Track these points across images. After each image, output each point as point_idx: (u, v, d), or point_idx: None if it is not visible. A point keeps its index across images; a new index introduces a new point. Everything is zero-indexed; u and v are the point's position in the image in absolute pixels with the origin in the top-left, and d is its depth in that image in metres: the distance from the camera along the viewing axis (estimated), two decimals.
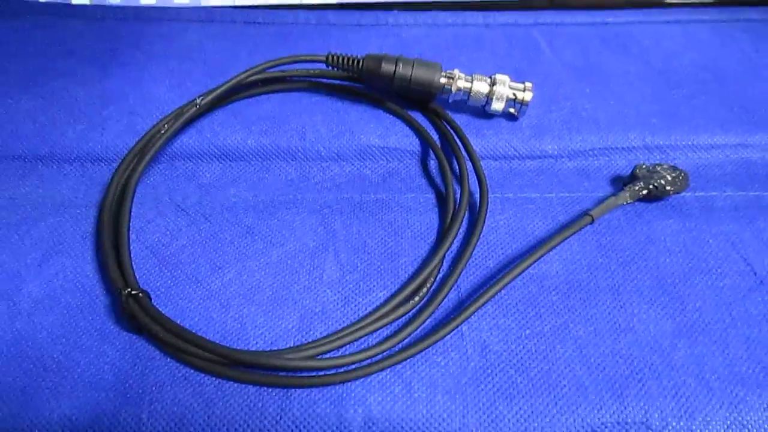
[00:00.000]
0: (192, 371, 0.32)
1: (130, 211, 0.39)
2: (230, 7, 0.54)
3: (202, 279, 0.36)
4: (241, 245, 0.38)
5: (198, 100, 0.42)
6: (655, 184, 0.39)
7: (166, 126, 0.42)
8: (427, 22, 0.53)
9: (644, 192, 0.39)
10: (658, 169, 0.40)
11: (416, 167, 0.43)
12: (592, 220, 0.37)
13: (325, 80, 0.47)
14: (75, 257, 0.37)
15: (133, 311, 0.33)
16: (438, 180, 0.42)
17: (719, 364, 0.33)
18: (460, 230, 0.39)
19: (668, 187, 0.40)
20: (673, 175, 0.40)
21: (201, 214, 0.40)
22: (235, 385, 0.32)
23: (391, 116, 0.45)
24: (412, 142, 0.44)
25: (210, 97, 0.42)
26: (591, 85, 0.47)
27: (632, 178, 0.41)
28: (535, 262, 0.35)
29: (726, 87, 0.47)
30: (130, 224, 0.38)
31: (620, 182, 0.42)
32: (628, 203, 0.39)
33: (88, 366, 0.33)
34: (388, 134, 0.44)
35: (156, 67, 0.48)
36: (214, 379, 0.32)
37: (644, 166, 0.41)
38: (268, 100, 0.46)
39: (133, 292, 0.33)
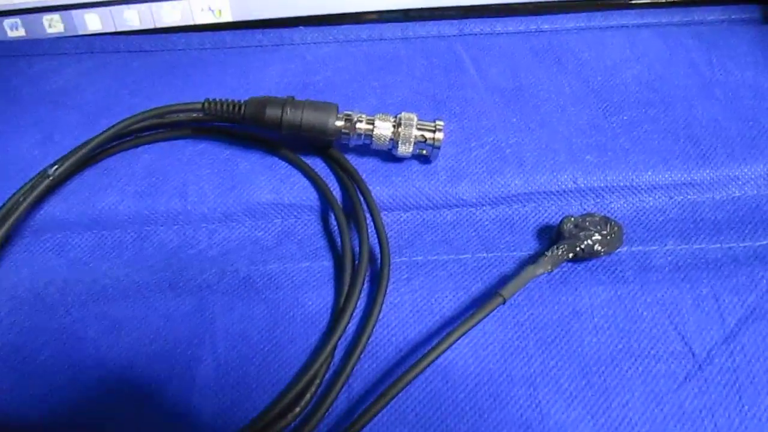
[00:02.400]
0: None
1: None
2: (112, 34, 0.47)
3: (61, 385, 0.31)
4: (105, 345, 0.33)
5: (51, 170, 0.36)
6: (582, 246, 0.34)
7: (22, 198, 0.36)
8: (338, 39, 0.47)
9: (570, 256, 0.34)
10: (588, 223, 0.35)
11: (315, 225, 0.38)
12: (504, 301, 0.31)
13: (211, 124, 0.41)
14: None
15: None
16: (338, 242, 0.37)
17: None
18: (360, 306, 0.33)
19: (597, 247, 0.34)
20: (604, 232, 0.34)
21: (62, 306, 0.34)
22: None
23: (286, 165, 0.39)
24: (310, 196, 0.38)
25: (66, 164, 0.36)
26: (518, 113, 0.41)
27: (558, 236, 0.35)
28: (437, 357, 0.30)
29: (672, 111, 0.41)
30: None
31: (548, 234, 0.37)
32: (548, 272, 0.33)
33: None
34: (281, 188, 0.38)
35: (21, 117, 0.42)
36: None
37: (572, 220, 0.35)
38: (145, 153, 0.40)
39: None
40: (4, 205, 0.36)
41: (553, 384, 0.31)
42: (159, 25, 0.48)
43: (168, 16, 0.48)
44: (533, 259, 0.35)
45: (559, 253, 0.34)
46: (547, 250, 0.34)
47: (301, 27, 0.47)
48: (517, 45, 0.46)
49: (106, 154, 0.40)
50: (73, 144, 0.39)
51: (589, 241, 0.34)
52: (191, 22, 0.48)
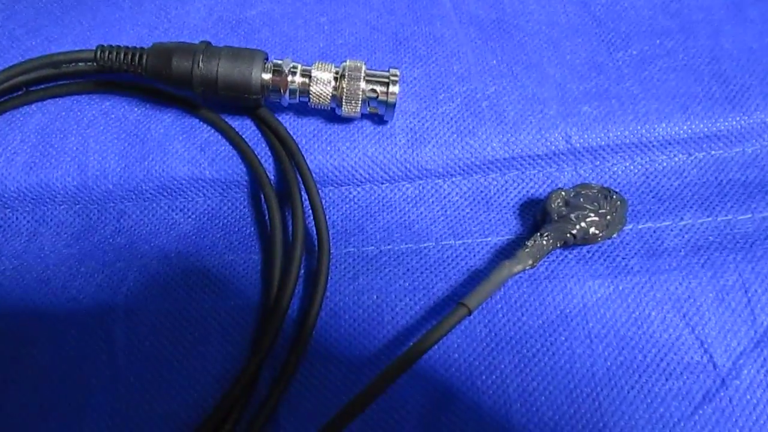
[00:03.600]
0: None
1: None
2: None
3: None
4: None
5: None
6: (573, 231, 0.27)
7: None
8: None
9: (558, 245, 0.27)
10: (582, 199, 0.28)
11: (244, 206, 0.30)
12: (469, 313, 0.24)
13: (118, 76, 0.33)
14: None
15: None
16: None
17: None
18: (291, 314, 0.27)
19: (594, 231, 0.27)
20: (603, 210, 0.27)
21: None
22: None
23: (208, 129, 0.32)
24: (236, 170, 0.31)
25: None
26: (500, 53, 0.33)
27: (543, 216, 0.28)
28: (387, 386, 0.23)
29: (694, 41, 0.33)
30: None
31: (533, 210, 0.29)
32: (529, 269, 0.26)
33: None
34: (202, 159, 0.31)
35: None
36: None
37: (562, 195, 0.28)
38: (36, 114, 0.33)
39: None
40: None
41: (534, 412, 0.24)
42: None
43: None
44: (512, 248, 0.28)
45: (544, 242, 0.26)
46: (529, 238, 0.27)
47: None
48: None
49: None
50: None
51: (583, 224, 0.27)
52: None
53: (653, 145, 0.30)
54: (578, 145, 0.30)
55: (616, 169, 0.30)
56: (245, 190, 0.30)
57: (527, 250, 0.26)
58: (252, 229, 0.30)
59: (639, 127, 0.30)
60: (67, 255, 0.30)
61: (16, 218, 0.31)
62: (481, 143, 0.30)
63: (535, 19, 0.34)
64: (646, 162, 0.30)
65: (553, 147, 0.30)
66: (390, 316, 0.27)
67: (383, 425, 0.24)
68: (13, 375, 0.26)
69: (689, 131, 0.30)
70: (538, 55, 0.33)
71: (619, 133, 0.30)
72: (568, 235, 0.26)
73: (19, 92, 0.33)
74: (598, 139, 0.30)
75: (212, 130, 0.31)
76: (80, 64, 0.32)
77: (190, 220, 0.30)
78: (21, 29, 0.36)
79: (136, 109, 0.32)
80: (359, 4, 0.35)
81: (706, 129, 0.30)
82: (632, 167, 0.30)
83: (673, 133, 0.30)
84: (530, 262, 0.26)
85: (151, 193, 0.31)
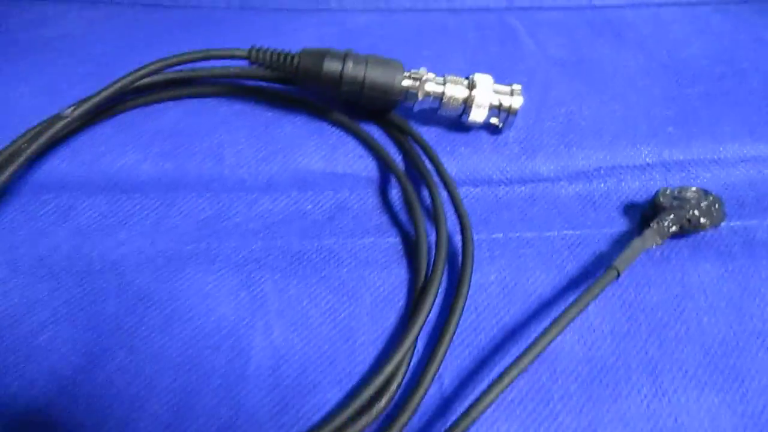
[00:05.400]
0: None
1: None
2: None
3: (71, 375, 0.25)
4: (130, 322, 0.27)
5: (68, 111, 0.30)
6: (688, 216, 0.30)
7: (25, 145, 0.30)
8: (380, 7, 0.43)
9: (674, 228, 0.30)
10: (686, 194, 0.31)
11: (374, 199, 0.33)
12: (618, 275, 0.27)
13: (249, 82, 0.35)
14: None
15: None
16: (403, 217, 0.32)
17: None
18: (439, 290, 0.28)
19: (702, 220, 0.30)
20: (706, 203, 0.31)
21: (73, 274, 0.28)
22: None
23: (338, 130, 0.34)
24: (367, 166, 0.33)
25: (86, 106, 0.31)
26: (587, 85, 0.38)
27: (655, 208, 0.31)
28: (549, 343, 0.25)
29: (748, 82, 0.38)
30: None
31: (635, 211, 0.33)
32: (657, 246, 0.29)
33: None
34: (334, 155, 0.33)
35: (20, 63, 0.36)
36: None
37: (668, 192, 0.32)
38: (171, 109, 0.35)
39: None
40: (3, 150, 0.30)
41: (677, 368, 0.27)
42: None
43: None
44: (628, 235, 0.31)
45: (665, 224, 0.30)
46: (651, 222, 0.30)
47: None
48: (572, 19, 0.43)
49: (123, 108, 0.34)
50: (81, 95, 0.32)
51: (695, 212, 0.30)
52: None
53: (728, 162, 0.35)
54: (668, 158, 0.34)
55: (699, 180, 0.34)
56: (375, 184, 0.33)
57: (654, 229, 0.29)
58: (384, 218, 0.32)
59: (715, 146, 0.35)
60: (201, 234, 0.30)
61: (145, 203, 0.32)
62: (584, 155, 0.34)
63: (611, 62, 0.39)
64: (724, 176, 0.34)
65: (647, 159, 0.34)
66: (532, 288, 0.29)
67: (542, 380, 0.26)
68: (171, 330, 0.27)
69: (756, 151, 0.35)
70: (621, 88, 0.38)
71: (700, 150, 0.35)
72: (685, 219, 0.30)
73: (151, 92, 0.35)
74: (684, 154, 0.34)
75: (342, 132, 0.34)
76: (214, 67, 0.35)
77: (321, 212, 0.32)
78: (139, 44, 0.38)
79: (267, 113, 0.35)
80: (456, 43, 0.40)
81: None
82: (713, 179, 0.34)
83: (744, 152, 0.35)
84: (658, 239, 0.29)
85: (283, 185, 0.33)
